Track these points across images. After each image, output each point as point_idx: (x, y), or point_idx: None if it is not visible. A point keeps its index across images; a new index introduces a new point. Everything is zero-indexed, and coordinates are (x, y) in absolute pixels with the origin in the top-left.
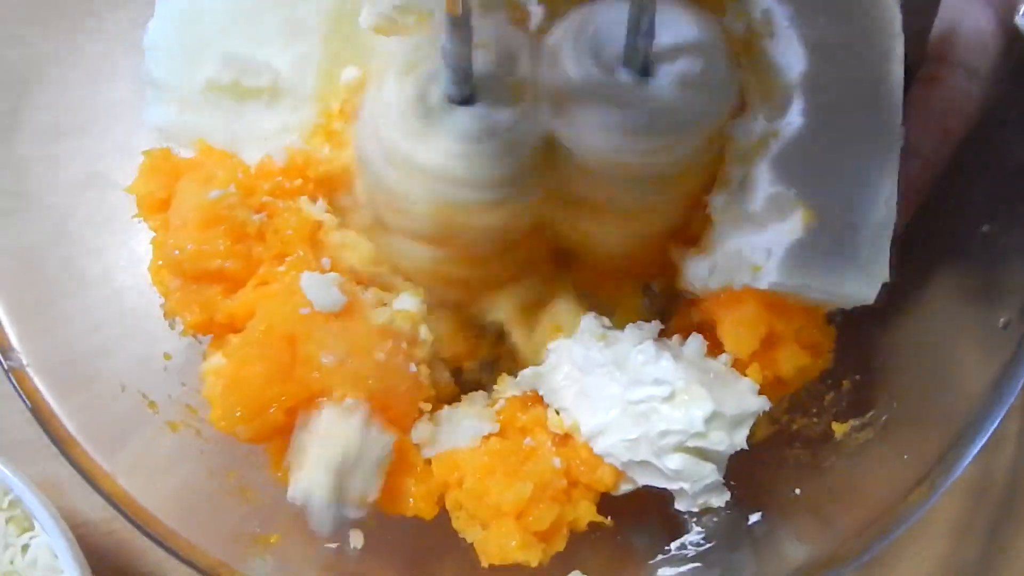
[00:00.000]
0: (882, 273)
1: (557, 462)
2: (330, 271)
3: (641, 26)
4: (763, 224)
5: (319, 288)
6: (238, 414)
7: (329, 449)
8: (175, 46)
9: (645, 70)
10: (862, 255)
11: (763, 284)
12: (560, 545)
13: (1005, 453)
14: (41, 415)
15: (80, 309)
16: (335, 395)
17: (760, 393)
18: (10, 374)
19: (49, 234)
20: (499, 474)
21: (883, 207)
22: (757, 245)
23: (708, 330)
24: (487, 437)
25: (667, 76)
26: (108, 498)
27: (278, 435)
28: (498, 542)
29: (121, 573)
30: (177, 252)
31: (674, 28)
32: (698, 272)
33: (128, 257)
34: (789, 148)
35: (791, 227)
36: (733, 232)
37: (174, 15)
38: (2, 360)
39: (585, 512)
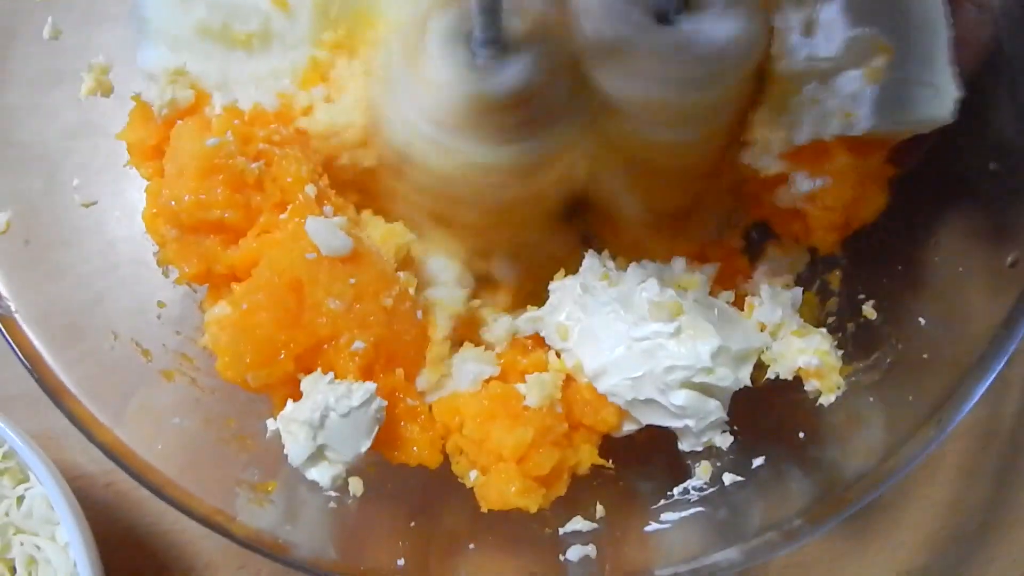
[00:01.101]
0: (954, 91)
1: (558, 407)
2: (334, 216)
3: None
4: (841, 70)
5: (325, 232)
6: (247, 362)
7: (306, 406)
8: None
9: (679, 7)
10: (936, 79)
11: (859, 130)
12: (561, 490)
13: (1012, 397)
14: (33, 364)
15: (73, 259)
16: (343, 340)
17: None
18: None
19: (41, 184)
20: (500, 419)
21: (942, 29)
22: (842, 92)
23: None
24: (488, 381)
25: (701, 14)
26: (103, 447)
27: (286, 384)
28: (498, 488)
29: (120, 525)
30: (174, 202)
31: None
32: (775, 132)
33: (122, 207)
34: None
35: (873, 67)
36: (807, 85)
37: None
38: None
39: (587, 456)
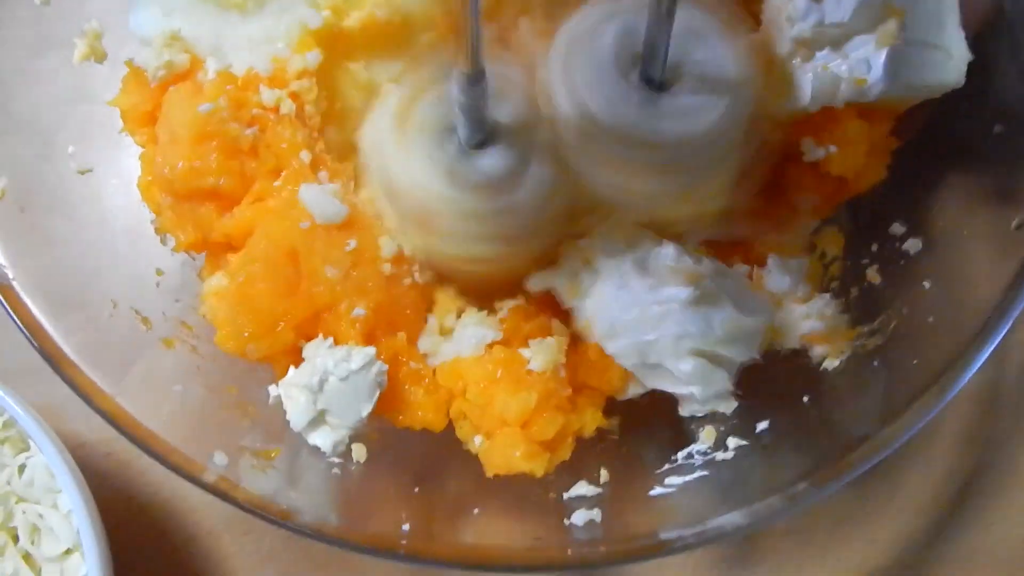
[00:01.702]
0: (965, 54)
1: (562, 372)
2: (329, 183)
3: (658, 45)
4: (852, 35)
5: (319, 200)
6: (246, 334)
7: (306, 370)
8: None
9: (660, 86)
10: (946, 42)
11: (872, 96)
12: (565, 454)
13: (1013, 362)
14: (32, 333)
15: (70, 227)
16: (343, 307)
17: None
18: None
19: (35, 151)
20: (504, 383)
21: None
22: (853, 58)
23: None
24: (491, 346)
25: (681, 89)
26: (105, 415)
27: (287, 354)
28: (502, 452)
29: (121, 494)
30: (168, 170)
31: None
32: (783, 101)
33: (118, 174)
34: None
35: (884, 32)
36: (818, 51)
37: None
38: None
39: (591, 419)
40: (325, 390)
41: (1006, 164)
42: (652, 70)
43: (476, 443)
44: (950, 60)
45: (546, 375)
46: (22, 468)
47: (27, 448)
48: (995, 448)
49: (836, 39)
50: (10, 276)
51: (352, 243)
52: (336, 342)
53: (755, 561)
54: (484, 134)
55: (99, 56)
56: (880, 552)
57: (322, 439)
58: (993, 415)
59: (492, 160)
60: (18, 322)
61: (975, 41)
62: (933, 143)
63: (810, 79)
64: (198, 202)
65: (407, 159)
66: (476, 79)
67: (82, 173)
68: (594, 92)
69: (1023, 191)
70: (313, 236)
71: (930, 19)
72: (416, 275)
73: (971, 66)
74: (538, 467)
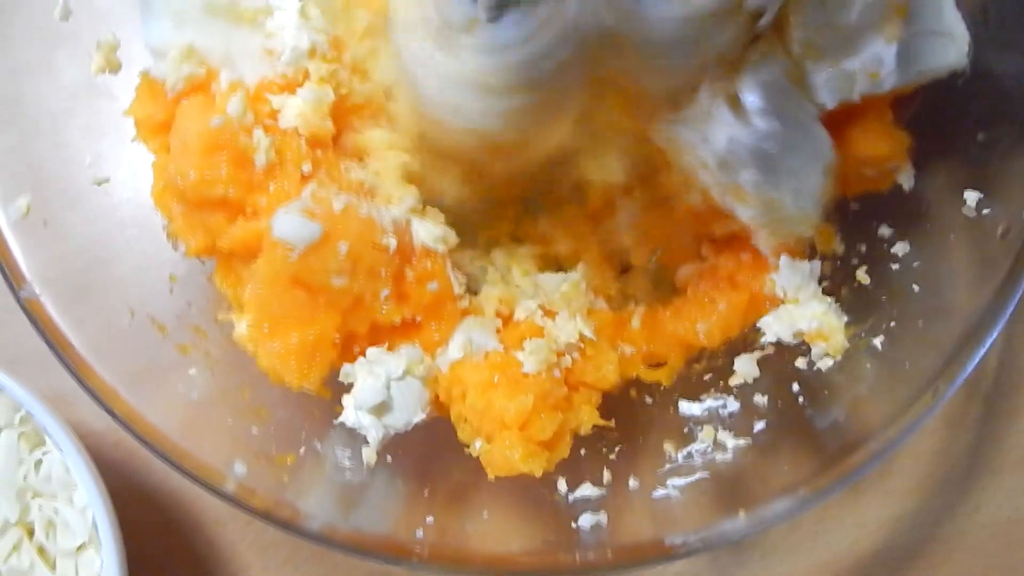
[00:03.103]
0: (965, 34)
1: (556, 372)
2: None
3: None
4: (860, 33)
5: (292, 227)
6: (295, 371)
7: (368, 392)
8: None
9: None
10: (947, 27)
11: (887, 87)
12: (564, 451)
13: (995, 348)
14: (60, 347)
15: (88, 238)
16: (368, 299)
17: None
18: (21, 298)
19: (47, 144)
20: (501, 387)
21: None
22: (863, 54)
23: None
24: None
25: None
26: (123, 422)
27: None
28: (503, 454)
29: (128, 482)
30: (180, 179)
31: None
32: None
33: (134, 184)
34: None
35: (891, 26)
36: (830, 52)
37: None
38: (8, 277)
39: (588, 416)
40: (392, 387)
41: (990, 172)
42: None
43: (477, 447)
44: (953, 43)
45: (541, 376)
46: (38, 463)
47: (42, 443)
48: (979, 431)
49: (845, 39)
50: (38, 292)
51: (343, 247)
52: (376, 337)
53: (747, 546)
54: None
55: (114, 67)
56: (870, 535)
57: (375, 427)
58: (976, 399)
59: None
60: (48, 338)
61: None
62: (919, 147)
63: (825, 78)
64: (208, 210)
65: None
66: None
67: (99, 184)
68: None
69: (1008, 199)
70: (304, 260)
71: (930, 7)
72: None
73: (955, 74)
74: (537, 467)
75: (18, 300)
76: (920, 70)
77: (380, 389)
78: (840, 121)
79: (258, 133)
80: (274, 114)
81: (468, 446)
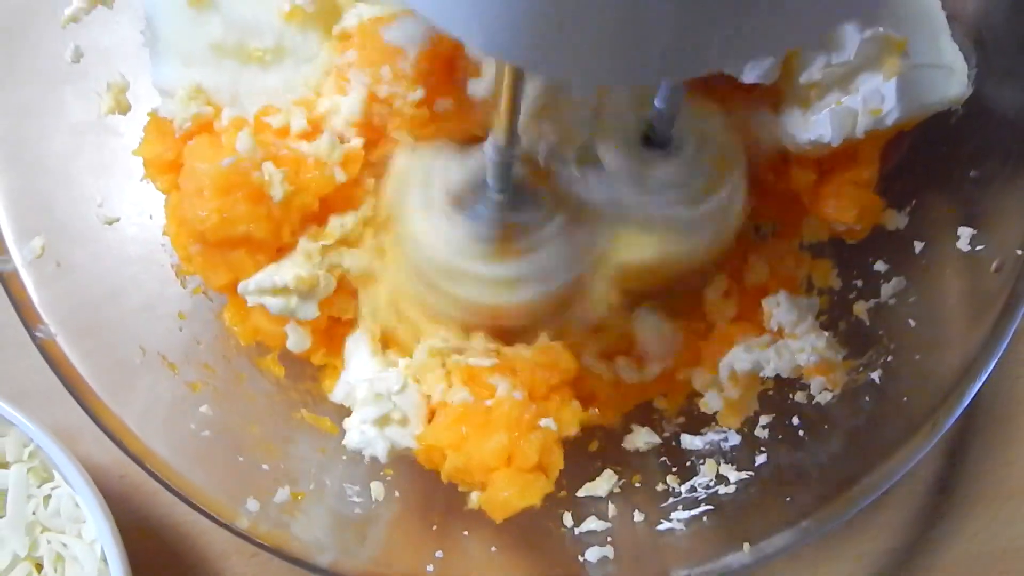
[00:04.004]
0: (964, 66)
1: (518, 394)
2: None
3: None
4: (859, 71)
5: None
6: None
7: (370, 404)
8: (179, 6)
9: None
10: (945, 59)
11: (889, 123)
12: (559, 464)
13: (991, 376)
14: (76, 388)
15: (99, 278)
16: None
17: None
18: (36, 337)
19: (53, 181)
20: (471, 437)
21: (938, 11)
22: (864, 91)
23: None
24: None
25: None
26: (137, 459)
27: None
28: (499, 498)
29: (134, 516)
30: (197, 222)
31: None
32: (804, 135)
33: (135, 207)
34: None
35: (889, 62)
36: (829, 92)
37: None
38: (23, 317)
39: (571, 417)
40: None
41: (983, 208)
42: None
43: (474, 499)
44: (953, 75)
45: (504, 408)
46: (47, 498)
47: (51, 478)
48: (975, 459)
49: (844, 77)
50: (54, 333)
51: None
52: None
53: None
54: (511, 188)
55: (124, 109)
56: (868, 565)
57: (380, 444)
58: (972, 427)
59: (521, 213)
60: (65, 380)
61: None
62: (913, 184)
63: (828, 116)
64: (229, 248)
65: (430, 217)
66: (510, 144)
67: (109, 223)
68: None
69: (1001, 234)
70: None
71: (928, 42)
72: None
73: (949, 112)
74: (534, 497)
75: (33, 339)
76: (922, 104)
77: (383, 402)
78: (824, 172)
79: (268, 167)
80: (283, 131)
81: (470, 501)
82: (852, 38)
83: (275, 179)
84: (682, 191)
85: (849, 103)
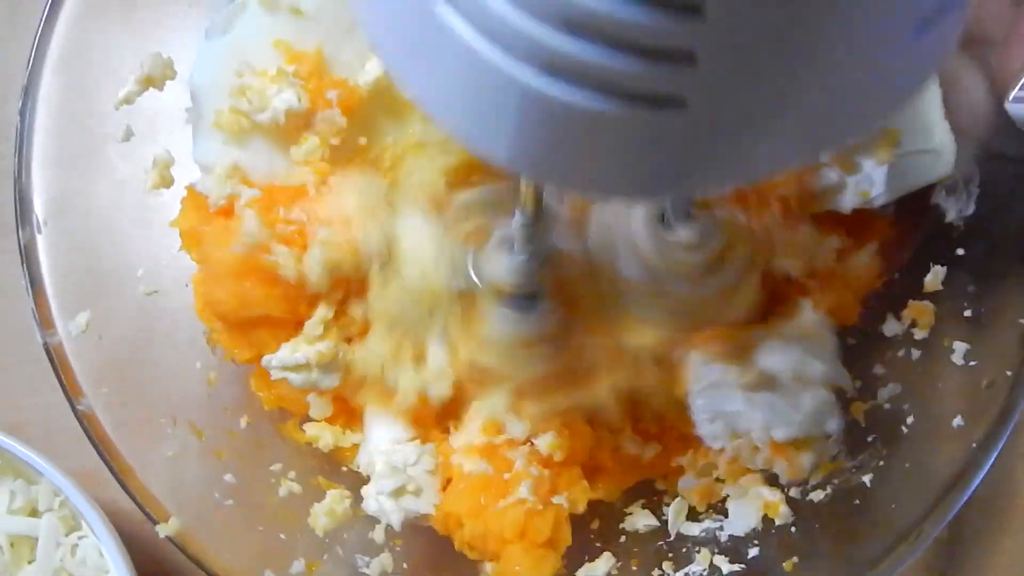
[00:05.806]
0: (952, 147)
1: (535, 470)
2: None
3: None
4: (854, 154)
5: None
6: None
7: (387, 476)
8: (220, 85)
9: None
10: (934, 144)
11: (876, 204)
12: (567, 539)
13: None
14: (112, 459)
15: (137, 348)
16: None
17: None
18: (77, 411)
19: (103, 255)
20: (490, 507)
21: (935, 95)
22: (859, 174)
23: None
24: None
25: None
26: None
27: None
28: (512, 572)
29: (154, 560)
30: (215, 306)
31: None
32: None
33: (169, 272)
34: None
35: (883, 151)
36: (824, 172)
37: (219, 52)
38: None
39: (580, 493)
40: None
41: (978, 324)
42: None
43: (488, 569)
44: (940, 158)
45: (522, 480)
46: (74, 548)
47: (78, 527)
48: (978, 551)
49: (839, 160)
50: (93, 406)
51: None
52: None
53: None
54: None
55: (168, 183)
56: None
57: (396, 516)
58: (968, 521)
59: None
60: (97, 446)
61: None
62: (913, 293)
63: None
64: (250, 328)
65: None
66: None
67: (148, 294)
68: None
69: (994, 353)
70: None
71: (922, 128)
72: None
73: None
74: (546, 571)
75: (74, 410)
76: (909, 185)
77: (399, 475)
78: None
79: (279, 249)
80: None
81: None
82: None
83: (287, 262)
84: (698, 252)
85: (839, 184)
